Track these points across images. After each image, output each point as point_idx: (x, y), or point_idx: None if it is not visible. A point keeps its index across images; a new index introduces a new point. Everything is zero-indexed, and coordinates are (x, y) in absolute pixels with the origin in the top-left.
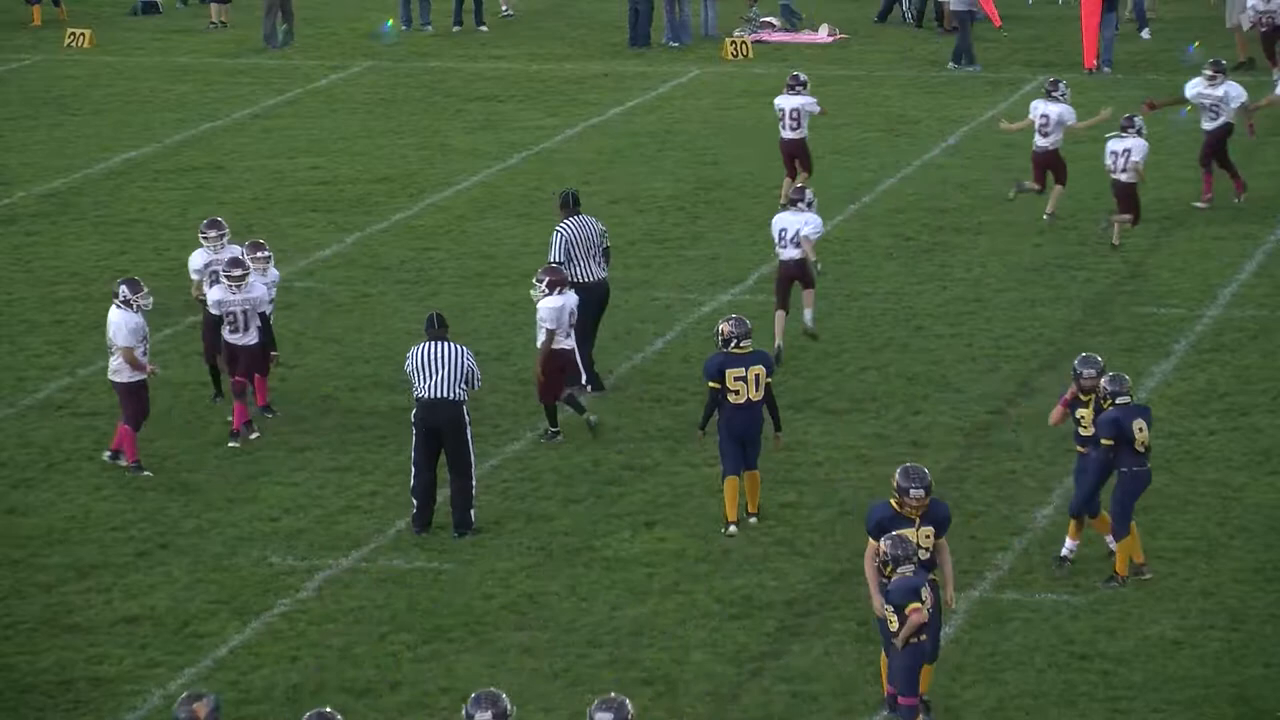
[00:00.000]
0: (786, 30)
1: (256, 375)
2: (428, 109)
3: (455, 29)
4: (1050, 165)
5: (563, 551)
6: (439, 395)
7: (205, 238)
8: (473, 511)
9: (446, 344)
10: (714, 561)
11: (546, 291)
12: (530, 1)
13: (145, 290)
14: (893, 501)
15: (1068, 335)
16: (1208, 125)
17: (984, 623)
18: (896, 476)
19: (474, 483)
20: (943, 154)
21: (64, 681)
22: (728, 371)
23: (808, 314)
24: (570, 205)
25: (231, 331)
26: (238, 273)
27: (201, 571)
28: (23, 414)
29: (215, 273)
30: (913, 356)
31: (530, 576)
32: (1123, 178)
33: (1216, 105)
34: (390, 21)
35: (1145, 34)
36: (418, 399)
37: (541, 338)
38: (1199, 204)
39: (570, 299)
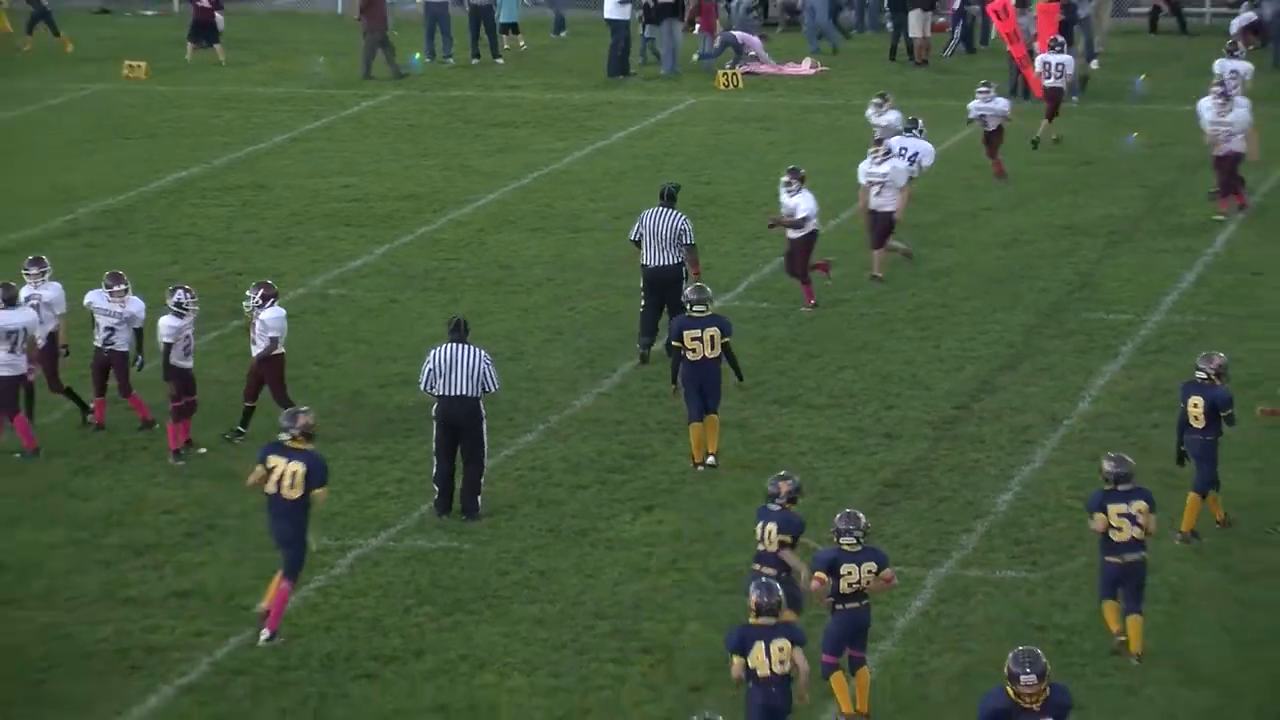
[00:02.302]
0: (774, 64)
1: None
2: (450, 134)
3: (474, 61)
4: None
5: (570, 533)
6: (458, 393)
7: (28, 274)
8: (479, 498)
9: (466, 347)
10: (708, 541)
11: (260, 303)
12: (542, 37)
13: (195, 297)
14: (1008, 689)
15: (1026, 338)
16: (793, 233)
17: (950, 597)
18: (1008, 662)
19: (484, 472)
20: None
21: (121, 649)
22: (685, 333)
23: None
24: (662, 197)
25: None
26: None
27: (245, 550)
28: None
29: (36, 305)
30: (886, 357)
31: (541, 555)
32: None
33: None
34: (417, 55)
35: (1094, 65)
36: (438, 396)
37: (265, 345)
38: (804, 307)
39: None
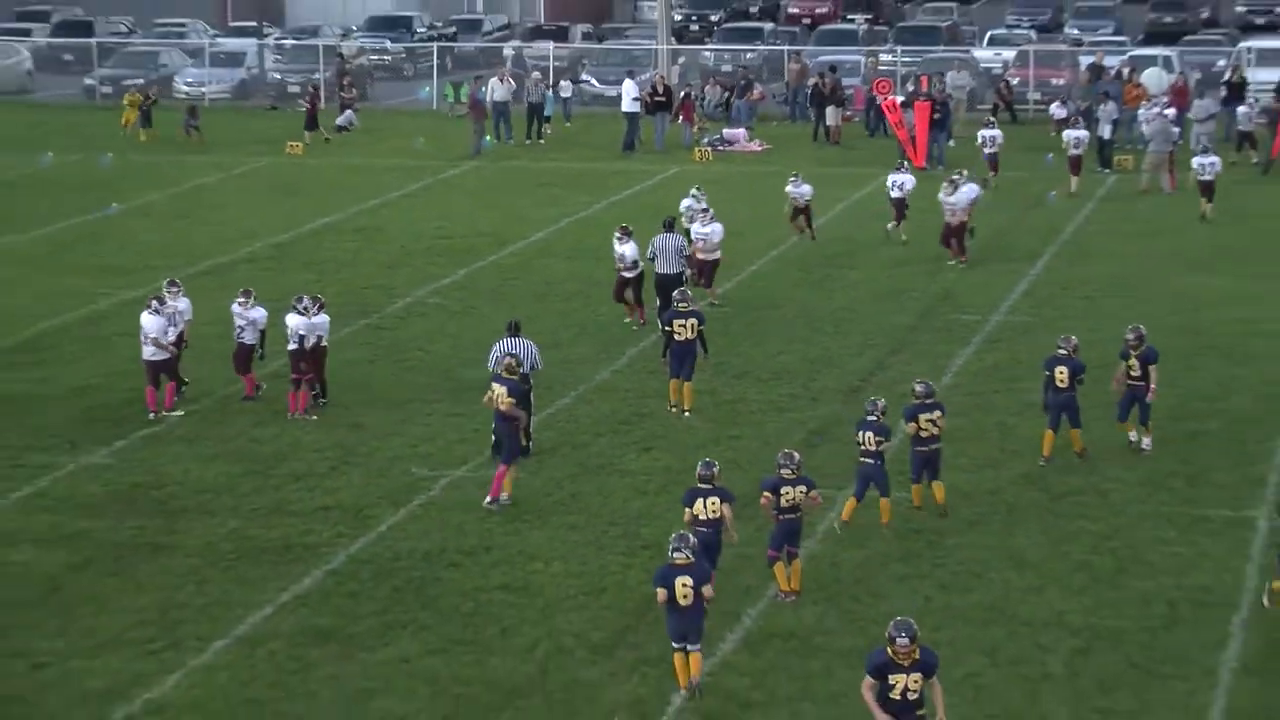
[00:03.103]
0: (742, 143)
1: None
2: (510, 192)
3: (527, 142)
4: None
5: (593, 466)
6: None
7: (168, 291)
8: (530, 444)
9: (521, 339)
10: (689, 473)
11: (316, 312)
12: (572, 126)
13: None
14: (888, 649)
15: (907, 333)
16: (627, 274)
17: (856, 510)
18: (889, 627)
19: (533, 424)
20: (830, 221)
21: (286, 546)
22: (674, 320)
23: (895, 226)
24: (665, 226)
25: (304, 343)
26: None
27: (370, 478)
28: (264, 379)
29: (172, 314)
30: (811, 345)
31: (573, 482)
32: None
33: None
34: (488, 138)
35: (951, 143)
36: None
37: (314, 340)
38: (635, 325)
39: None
